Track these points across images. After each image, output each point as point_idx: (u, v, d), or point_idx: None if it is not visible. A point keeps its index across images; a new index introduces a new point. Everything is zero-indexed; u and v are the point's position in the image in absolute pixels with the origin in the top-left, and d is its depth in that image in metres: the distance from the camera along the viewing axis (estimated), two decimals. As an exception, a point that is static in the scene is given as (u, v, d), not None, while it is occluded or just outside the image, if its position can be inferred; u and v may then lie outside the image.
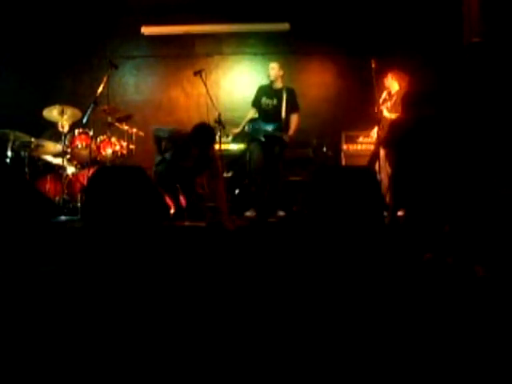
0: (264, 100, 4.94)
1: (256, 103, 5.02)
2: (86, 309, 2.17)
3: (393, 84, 4.75)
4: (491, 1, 4.40)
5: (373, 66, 4.33)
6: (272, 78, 4.93)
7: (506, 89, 3.56)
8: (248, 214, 4.75)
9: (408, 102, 3.86)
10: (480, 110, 3.54)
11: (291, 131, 4.83)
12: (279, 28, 6.24)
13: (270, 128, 4.82)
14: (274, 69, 4.92)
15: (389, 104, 4.74)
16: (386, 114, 4.69)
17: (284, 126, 4.81)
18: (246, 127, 4.95)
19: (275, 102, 4.89)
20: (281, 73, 4.95)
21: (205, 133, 4.14)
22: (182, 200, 4.62)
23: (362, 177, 3.46)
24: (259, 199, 4.80)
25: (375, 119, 4.63)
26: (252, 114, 5.04)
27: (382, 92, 4.80)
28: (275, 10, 6.20)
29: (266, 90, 4.99)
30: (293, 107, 4.89)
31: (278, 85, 4.95)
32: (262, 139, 4.81)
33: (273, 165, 4.79)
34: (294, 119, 4.88)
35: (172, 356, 1.79)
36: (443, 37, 5.43)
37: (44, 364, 1.72)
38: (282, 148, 4.79)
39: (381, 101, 4.73)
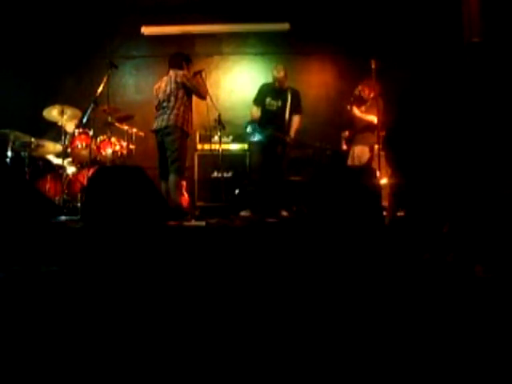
0: (269, 100, 4.91)
1: (260, 102, 4.96)
2: (87, 309, 2.17)
3: (367, 91, 4.86)
4: (491, 1, 4.40)
5: (373, 66, 4.32)
6: (279, 81, 4.90)
7: (505, 89, 3.56)
8: (243, 213, 4.74)
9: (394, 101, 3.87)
10: (480, 109, 3.54)
11: (293, 132, 4.85)
12: (279, 28, 6.24)
13: (271, 129, 4.81)
14: (281, 74, 4.89)
15: (363, 108, 4.88)
16: (357, 112, 4.83)
17: (286, 127, 4.82)
18: (248, 128, 4.93)
19: (280, 103, 4.88)
20: (286, 75, 4.94)
21: None
22: (185, 200, 4.62)
23: (361, 177, 3.46)
24: (256, 199, 4.80)
25: (348, 118, 4.87)
26: (257, 112, 4.96)
27: (355, 89, 4.90)
28: (275, 10, 6.20)
29: (271, 90, 4.95)
30: (296, 109, 4.90)
31: (284, 86, 4.93)
32: (264, 140, 4.81)
33: (275, 165, 4.80)
34: (296, 120, 4.89)
35: (172, 356, 1.79)
36: (443, 37, 5.43)
37: (45, 364, 1.72)
38: (284, 148, 4.80)
39: (352, 99, 4.84)
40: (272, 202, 4.77)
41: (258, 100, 4.98)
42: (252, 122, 4.92)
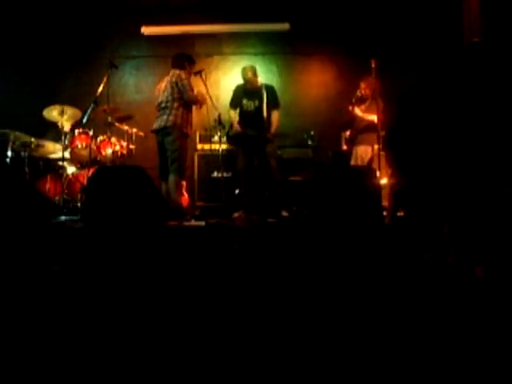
0: (245, 102, 4.86)
1: (236, 105, 4.93)
2: (87, 309, 2.17)
3: (367, 89, 4.88)
4: (491, 1, 4.40)
5: (373, 66, 4.33)
6: (250, 82, 4.85)
7: (506, 89, 3.56)
8: (236, 215, 4.73)
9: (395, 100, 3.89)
10: (480, 109, 3.54)
11: (273, 128, 4.81)
12: (279, 28, 6.24)
13: (252, 130, 4.77)
14: (249, 75, 4.83)
15: (363, 107, 4.91)
16: (358, 112, 4.87)
17: (266, 124, 4.78)
18: (230, 132, 4.90)
19: (257, 103, 4.82)
20: (257, 73, 4.90)
21: None
22: (185, 200, 4.62)
23: (360, 177, 3.46)
24: (247, 201, 4.80)
25: (349, 118, 4.93)
26: (235, 115, 4.93)
27: (357, 91, 4.93)
28: (275, 10, 6.20)
29: (246, 91, 4.89)
30: (274, 105, 4.85)
31: (256, 85, 4.88)
32: (247, 142, 4.78)
33: (264, 165, 4.77)
34: (275, 116, 4.84)
35: (172, 356, 1.79)
36: (443, 37, 5.43)
37: (45, 364, 1.72)
38: (268, 146, 4.77)
39: (353, 100, 4.86)
40: (264, 202, 4.75)
41: (234, 103, 4.94)
42: (233, 125, 4.90)
